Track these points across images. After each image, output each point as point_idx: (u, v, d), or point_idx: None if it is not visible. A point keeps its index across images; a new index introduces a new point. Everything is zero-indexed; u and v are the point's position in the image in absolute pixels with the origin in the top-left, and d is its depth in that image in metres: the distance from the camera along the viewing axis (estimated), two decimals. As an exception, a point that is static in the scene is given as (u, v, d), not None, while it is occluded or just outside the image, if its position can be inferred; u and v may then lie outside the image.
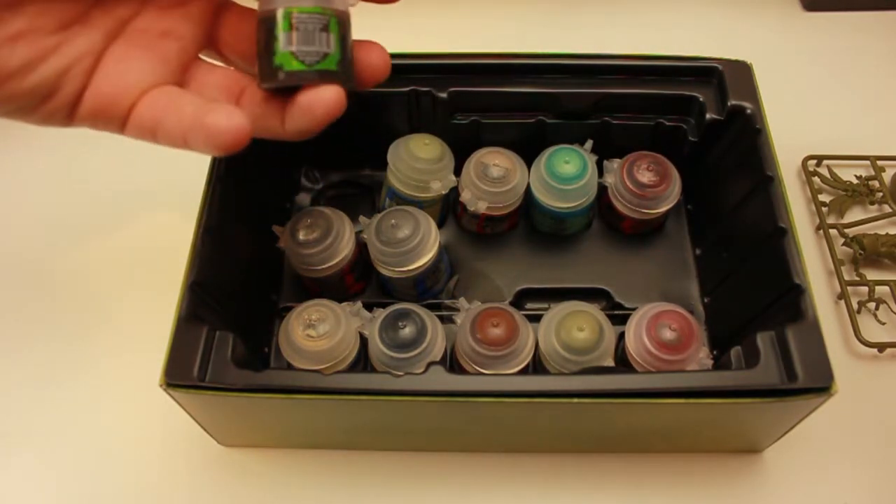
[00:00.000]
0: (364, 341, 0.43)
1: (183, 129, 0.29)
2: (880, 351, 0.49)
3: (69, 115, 0.29)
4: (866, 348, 0.48)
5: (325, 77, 0.30)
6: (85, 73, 0.29)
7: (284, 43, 0.30)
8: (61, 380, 0.48)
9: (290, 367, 0.42)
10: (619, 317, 0.46)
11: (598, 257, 0.51)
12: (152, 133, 0.30)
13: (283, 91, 0.31)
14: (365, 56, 0.32)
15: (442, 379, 0.37)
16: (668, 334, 0.41)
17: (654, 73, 0.47)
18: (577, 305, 0.43)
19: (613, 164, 0.48)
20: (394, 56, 0.47)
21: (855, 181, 0.56)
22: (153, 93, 0.30)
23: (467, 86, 0.47)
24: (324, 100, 0.30)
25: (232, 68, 0.33)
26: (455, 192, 0.48)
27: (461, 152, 0.48)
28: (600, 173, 0.48)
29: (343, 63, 0.31)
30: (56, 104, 0.29)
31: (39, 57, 0.27)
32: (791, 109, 0.55)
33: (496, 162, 0.47)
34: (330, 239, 0.44)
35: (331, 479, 0.45)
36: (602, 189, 0.49)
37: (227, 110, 0.28)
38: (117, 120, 0.30)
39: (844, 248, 0.52)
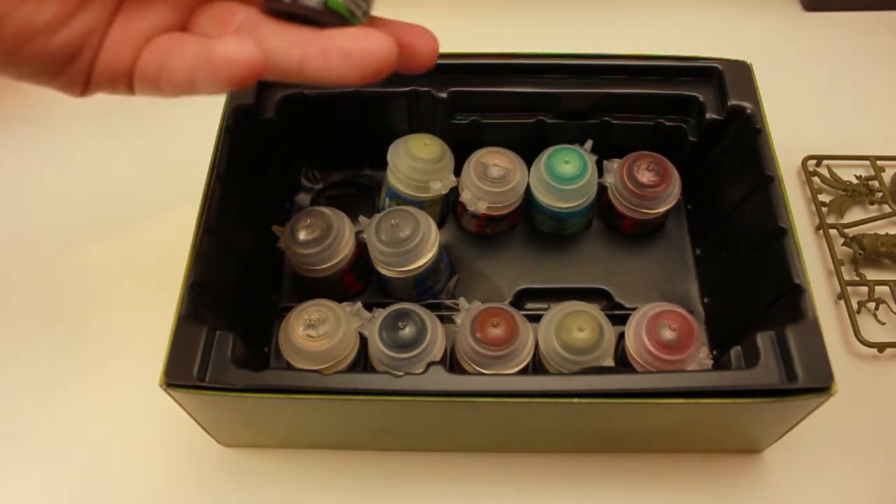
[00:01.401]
0: (364, 341, 0.43)
1: (187, 70, 0.27)
2: (880, 351, 0.49)
3: (87, 80, 0.28)
4: (866, 348, 0.48)
5: (330, 17, 0.26)
6: (103, 33, 0.28)
7: None
8: (61, 380, 0.48)
9: (290, 367, 0.42)
10: (619, 317, 0.46)
11: (598, 257, 0.51)
12: (156, 82, 0.28)
13: (294, 19, 0.27)
14: (408, 38, 0.29)
15: (442, 379, 0.37)
16: (668, 334, 0.41)
17: (654, 74, 0.47)
18: (577, 305, 0.43)
19: (613, 164, 0.48)
20: (394, 56, 0.47)
21: (855, 181, 0.56)
22: (155, 40, 0.28)
23: (467, 86, 0.47)
24: (377, 51, 0.26)
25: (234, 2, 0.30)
26: (455, 192, 0.48)
27: (461, 152, 0.48)
28: (600, 173, 0.48)
29: (355, 9, 0.27)
30: (78, 67, 0.28)
31: (67, 14, 0.27)
32: (791, 109, 0.55)
33: (496, 162, 0.47)
34: (330, 239, 0.44)
35: (331, 479, 0.45)
36: (602, 189, 0.49)
37: (236, 40, 0.26)
38: (124, 77, 0.28)
39: (844, 248, 0.52)
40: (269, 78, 0.27)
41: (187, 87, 0.27)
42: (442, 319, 0.44)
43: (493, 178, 0.46)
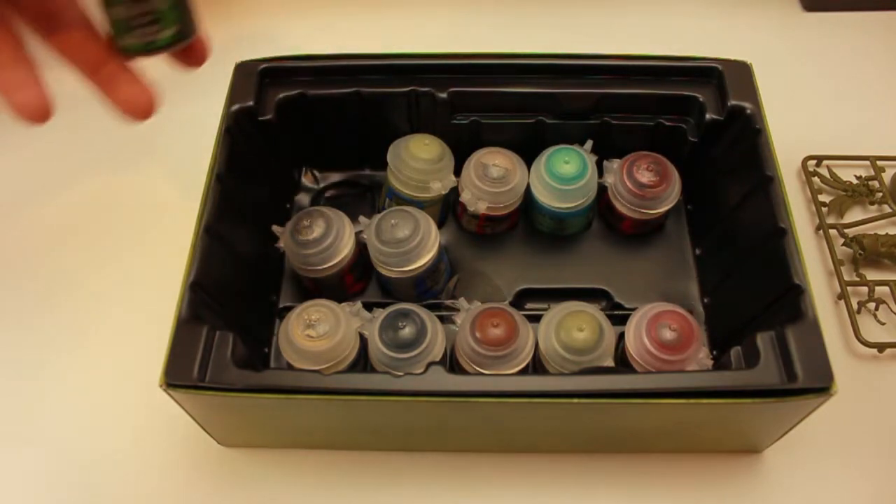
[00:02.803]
0: (364, 341, 0.43)
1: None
2: (880, 351, 0.49)
3: None
4: (866, 348, 0.48)
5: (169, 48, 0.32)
6: None
7: (121, 25, 0.31)
8: (61, 380, 0.48)
9: (290, 367, 0.42)
10: (619, 317, 0.46)
11: (598, 257, 0.51)
12: None
13: None
14: (125, 93, 0.33)
15: (442, 379, 0.37)
16: (667, 334, 0.41)
17: (654, 74, 0.47)
18: (577, 305, 0.43)
19: (613, 164, 0.48)
20: (394, 56, 0.47)
21: (855, 181, 0.56)
22: None
23: (467, 86, 0.47)
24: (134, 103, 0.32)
25: None
26: (455, 192, 0.48)
27: (461, 152, 0.48)
28: (600, 173, 0.48)
29: (179, 23, 0.32)
30: None
31: None
32: (791, 109, 0.55)
33: (496, 162, 0.47)
34: (330, 239, 0.44)
35: (331, 479, 0.45)
36: (602, 189, 0.49)
37: (22, 83, 0.29)
38: None
39: (844, 248, 0.52)
40: None
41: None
42: (442, 319, 0.44)
43: (493, 178, 0.46)
